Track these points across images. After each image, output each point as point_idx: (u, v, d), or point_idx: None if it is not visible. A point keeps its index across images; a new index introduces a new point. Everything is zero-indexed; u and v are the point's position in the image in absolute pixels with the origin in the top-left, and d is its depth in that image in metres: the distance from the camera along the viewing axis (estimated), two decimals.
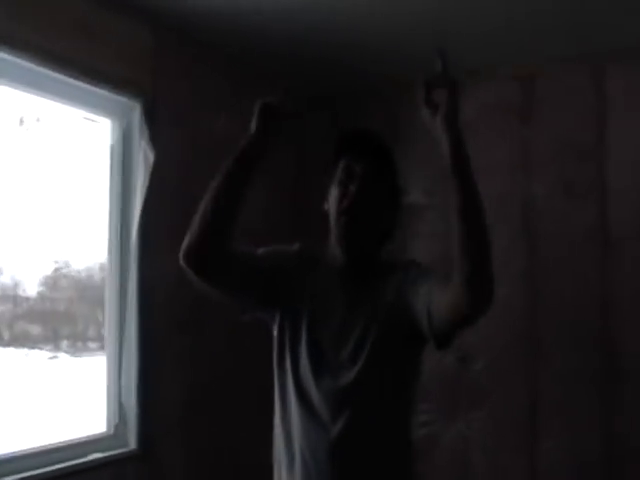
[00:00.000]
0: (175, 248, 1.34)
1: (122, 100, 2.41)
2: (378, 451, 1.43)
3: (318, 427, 1.41)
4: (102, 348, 2.40)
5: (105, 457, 2.22)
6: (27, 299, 2.38)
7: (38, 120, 2.29)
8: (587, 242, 2.84)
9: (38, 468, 2.03)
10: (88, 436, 2.27)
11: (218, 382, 2.74)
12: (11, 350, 2.28)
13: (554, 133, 2.95)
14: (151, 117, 2.46)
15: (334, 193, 1.49)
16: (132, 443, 2.32)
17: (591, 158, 2.87)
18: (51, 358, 2.40)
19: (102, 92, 2.33)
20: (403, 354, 1.46)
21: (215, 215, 1.37)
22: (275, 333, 1.55)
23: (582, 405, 2.80)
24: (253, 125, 1.40)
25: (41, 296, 2.44)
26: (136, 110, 2.45)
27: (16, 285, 2.30)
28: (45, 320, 2.42)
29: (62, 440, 2.19)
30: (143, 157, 2.38)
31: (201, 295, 2.50)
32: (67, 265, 2.42)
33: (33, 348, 2.39)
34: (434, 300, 1.34)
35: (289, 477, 1.45)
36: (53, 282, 2.41)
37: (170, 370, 2.50)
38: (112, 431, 2.32)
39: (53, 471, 2.07)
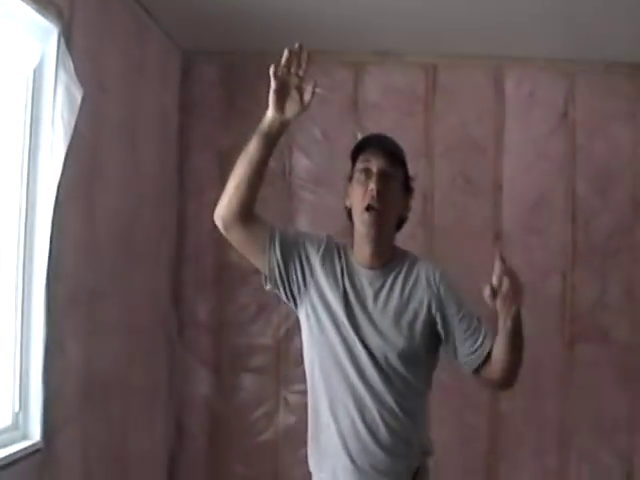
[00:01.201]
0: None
1: (39, 20, 1.94)
2: (412, 412, 1.70)
3: (371, 395, 1.65)
4: None
5: (7, 456, 1.80)
6: None
7: None
8: (481, 233, 3.01)
9: None
10: None
11: (116, 363, 2.42)
12: None
13: (455, 125, 3.07)
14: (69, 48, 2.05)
15: (357, 192, 1.70)
16: (36, 435, 1.93)
17: (488, 153, 3.05)
18: None
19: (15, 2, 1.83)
20: (428, 348, 1.72)
21: (246, 187, 1.62)
22: (303, 314, 1.73)
23: (471, 389, 2.98)
24: (271, 107, 1.57)
25: None
26: (53, 36, 2.01)
27: None
28: None
29: None
30: (65, 94, 1.95)
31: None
32: None
33: None
34: (463, 358, 1.69)
35: (333, 436, 1.67)
36: None
37: (71, 348, 2.12)
38: (11, 421, 1.91)
39: None
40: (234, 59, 3.14)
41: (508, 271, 1.47)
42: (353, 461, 1.66)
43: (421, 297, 1.69)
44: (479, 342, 1.66)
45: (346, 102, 3.10)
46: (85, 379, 2.19)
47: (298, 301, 1.73)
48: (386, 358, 1.66)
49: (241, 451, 3.03)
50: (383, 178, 1.66)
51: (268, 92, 3.23)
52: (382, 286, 1.70)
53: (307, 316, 1.72)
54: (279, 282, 1.71)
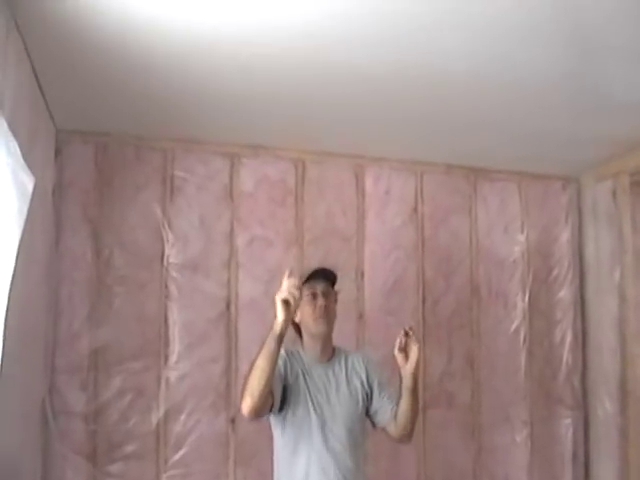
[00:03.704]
0: None
1: None
2: (360, 462, 2.43)
3: (333, 458, 2.34)
4: None
5: None
6: None
7: None
8: (346, 314, 3.29)
9: None
10: None
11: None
12: None
13: (322, 216, 3.38)
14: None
15: (307, 309, 2.43)
16: None
17: (351, 242, 3.39)
18: None
19: None
20: (363, 415, 2.46)
21: (265, 381, 2.14)
22: (280, 417, 2.36)
23: None
24: (280, 316, 2.12)
25: None
26: None
27: None
28: None
29: None
30: (13, 181, 1.82)
31: None
32: None
33: None
34: (381, 415, 2.47)
35: None
36: None
37: None
38: None
39: None
40: (109, 140, 3.16)
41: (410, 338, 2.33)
42: None
43: (358, 378, 2.45)
44: (393, 402, 2.43)
45: (222, 191, 3.28)
46: None
47: (282, 411, 2.34)
48: (346, 428, 2.35)
49: None
50: (325, 296, 2.44)
51: (143, 174, 3.32)
52: (333, 375, 2.43)
53: (283, 417, 2.34)
54: (276, 413, 2.34)
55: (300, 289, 2.17)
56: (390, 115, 2.96)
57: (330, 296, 2.48)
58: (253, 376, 2.15)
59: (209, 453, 3.10)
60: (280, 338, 2.14)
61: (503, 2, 2.02)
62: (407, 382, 2.35)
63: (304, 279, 2.44)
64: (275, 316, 2.14)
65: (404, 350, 2.35)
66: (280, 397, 2.31)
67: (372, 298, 3.37)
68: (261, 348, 2.17)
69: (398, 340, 2.35)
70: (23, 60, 2.32)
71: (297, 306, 2.19)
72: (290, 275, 2.17)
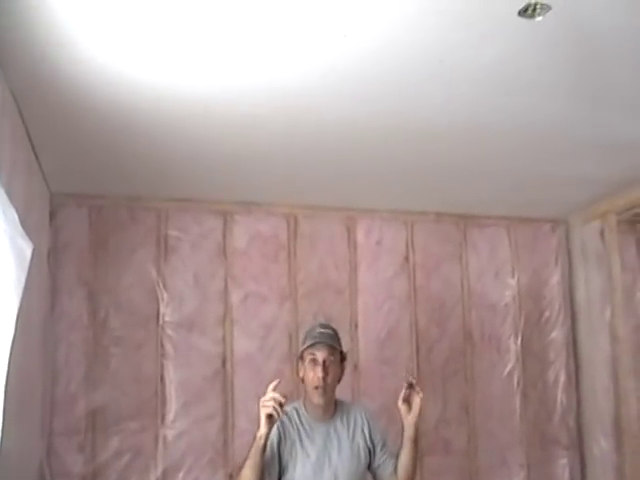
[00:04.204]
0: None
1: None
2: None
3: None
4: None
5: None
6: None
7: None
8: None
9: None
10: None
11: None
12: None
13: (315, 270, 3.42)
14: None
15: (308, 373, 2.41)
16: None
17: (344, 295, 3.43)
18: None
19: None
20: (365, 471, 2.49)
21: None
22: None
23: None
24: (263, 429, 2.18)
25: None
26: None
27: None
28: None
29: None
30: (11, 248, 1.82)
31: None
32: None
33: None
34: (383, 469, 2.48)
35: None
36: None
37: None
38: None
39: None
40: (103, 203, 3.21)
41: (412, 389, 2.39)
42: None
43: (361, 434, 2.46)
44: (393, 456, 2.44)
45: (216, 248, 3.32)
46: None
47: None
48: None
49: None
50: (326, 364, 2.38)
51: (138, 234, 3.34)
52: (335, 432, 2.43)
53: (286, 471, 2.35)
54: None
55: (284, 401, 2.19)
56: (382, 168, 3.01)
57: (332, 364, 2.41)
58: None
59: None
60: (263, 448, 2.21)
61: (502, 53, 2.03)
62: (409, 432, 2.39)
63: (307, 344, 2.43)
64: (258, 427, 2.19)
65: (407, 401, 2.40)
66: (276, 475, 2.35)
67: (366, 348, 3.41)
68: (247, 457, 2.22)
69: (402, 392, 2.39)
70: (18, 127, 2.37)
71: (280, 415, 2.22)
72: (276, 387, 2.19)
